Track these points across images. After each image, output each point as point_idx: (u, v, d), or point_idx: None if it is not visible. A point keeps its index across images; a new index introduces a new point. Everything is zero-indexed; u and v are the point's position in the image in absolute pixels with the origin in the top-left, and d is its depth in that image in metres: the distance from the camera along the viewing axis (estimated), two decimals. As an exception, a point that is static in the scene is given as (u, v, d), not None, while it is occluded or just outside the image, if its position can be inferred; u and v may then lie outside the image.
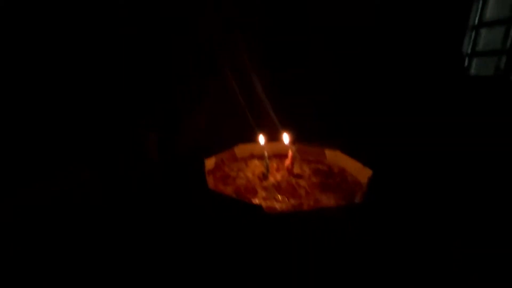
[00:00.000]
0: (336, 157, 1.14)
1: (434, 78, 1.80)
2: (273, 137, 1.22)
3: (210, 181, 0.98)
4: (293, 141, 1.19)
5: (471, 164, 1.40)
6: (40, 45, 1.43)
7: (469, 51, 1.84)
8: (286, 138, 1.10)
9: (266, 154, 1.01)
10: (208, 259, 0.85)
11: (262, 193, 0.94)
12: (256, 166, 1.09)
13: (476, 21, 1.80)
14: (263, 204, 0.89)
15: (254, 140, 1.19)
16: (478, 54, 1.82)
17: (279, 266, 0.79)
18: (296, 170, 1.07)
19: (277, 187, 0.97)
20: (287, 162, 1.03)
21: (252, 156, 1.18)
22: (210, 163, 1.05)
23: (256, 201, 0.91)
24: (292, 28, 1.76)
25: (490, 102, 1.61)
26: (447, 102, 1.74)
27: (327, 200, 0.90)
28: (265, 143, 1.09)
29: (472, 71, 1.88)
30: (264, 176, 1.01)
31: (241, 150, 1.18)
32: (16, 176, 1.29)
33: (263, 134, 1.11)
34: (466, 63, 1.80)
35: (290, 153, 1.03)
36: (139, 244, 0.92)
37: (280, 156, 1.20)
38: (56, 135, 1.46)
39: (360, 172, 1.01)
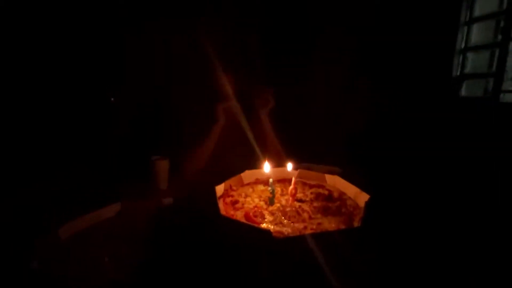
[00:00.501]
0: (335, 182, 1.24)
1: (426, 100, 1.93)
2: (276, 162, 1.33)
3: (221, 207, 1.07)
4: (296, 167, 1.30)
5: (464, 185, 1.50)
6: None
7: (458, 73, 1.97)
8: (289, 166, 1.21)
9: (271, 181, 1.11)
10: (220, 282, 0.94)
11: (269, 218, 1.04)
12: (262, 191, 1.19)
13: (463, 45, 1.93)
14: (271, 228, 0.98)
15: (257, 165, 1.30)
16: (467, 77, 1.94)
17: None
18: (299, 194, 1.17)
19: (283, 212, 1.07)
20: (291, 188, 1.13)
21: (258, 181, 1.28)
22: (219, 189, 1.15)
23: (264, 225, 1.00)
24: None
25: (479, 121, 1.73)
26: (439, 123, 1.87)
27: (328, 224, 1.00)
28: (270, 170, 1.20)
29: (463, 92, 2.00)
30: (270, 201, 1.11)
31: (247, 175, 1.28)
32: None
33: (268, 161, 1.21)
34: (454, 85, 1.93)
35: (293, 180, 1.14)
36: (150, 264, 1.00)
37: (284, 180, 1.30)
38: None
39: (358, 196, 1.11)
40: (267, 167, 1.20)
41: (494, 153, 1.58)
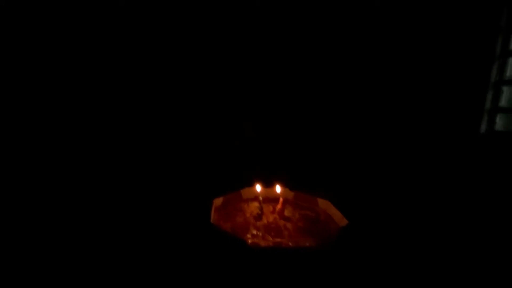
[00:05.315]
0: (326, 206, 1.34)
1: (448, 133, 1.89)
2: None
3: (215, 217, 1.26)
4: (292, 188, 1.44)
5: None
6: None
7: (491, 106, 1.89)
8: (278, 188, 1.36)
9: (261, 198, 1.27)
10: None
11: (253, 231, 1.19)
12: (255, 208, 1.34)
13: (497, 78, 1.87)
14: (252, 240, 1.13)
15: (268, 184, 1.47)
16: (501, 110, 1.86)
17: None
18: (287, 213, 1.30)
19: (267, 228, 1.21)
20: (278, 207, 1.27)
21: (255, 199, 1.44)
22: (218, 201, 1.34)
23: (247, 236, 1.16)
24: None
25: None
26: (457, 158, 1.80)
27: (304, 243, 1.11)
28: (261, 189, 1.36)
29: (497, 126, 1.91)
30: (258, 216, 1.26)
31: (246, 192, 1.45)
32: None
33: (261, 182, 1.39)
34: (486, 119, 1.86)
35: (281, 200, 1.28)
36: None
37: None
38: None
39: (341, 221, 1.20)
40: (258, 187, 1.36)
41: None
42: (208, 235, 1.18)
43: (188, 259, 1.20)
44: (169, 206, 1.55)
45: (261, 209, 1.28)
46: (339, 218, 1.22)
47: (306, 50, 1.95)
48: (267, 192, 1.43)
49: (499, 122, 1.90)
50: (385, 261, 1.21)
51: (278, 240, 1.14)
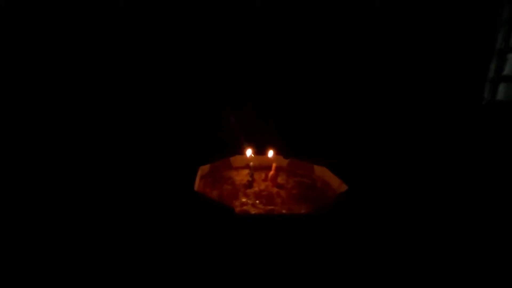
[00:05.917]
0: (323, 173, 1.23)
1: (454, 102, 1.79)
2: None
3: (200, 184, 1.14)
4: (286, 156, 1.32)
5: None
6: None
7: (494, 75, 1.79)
8: (270, 153, 1.24)
9: (251, 164, 1.15)
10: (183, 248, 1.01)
11: (242, 199, 1.07)
12: (245, 175, 1.22)
13: (503, 46, 1.76)
14: (240, 208, 1.01)
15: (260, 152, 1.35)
16: (504, 79, 1.77)
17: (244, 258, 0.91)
18: (281, 181, 1.19)
19: (258, 195, 1.09)
20: (271, 173, 1.16)
21: (246, 166, 1.32)
22: (204, 169, 1.22)
23: (236, 204, 1.04)
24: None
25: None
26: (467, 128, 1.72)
27: (298, 210, 1.00)
28: (253, 156, 1.24)
29: (499, 95, 1.82)
30: (249, 184, 1.14)
31: (236, 160, 1.33)
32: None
33: (252, 147, 1.26)
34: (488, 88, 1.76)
35: (273, 165, 1.16)
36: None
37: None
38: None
39: (339, 187, 1.09)
40: (249, 151, 1.24)
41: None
42: (193, 203, 1.06)
43: (174, 229, 1.10)
44: (155, 174, 1.43)
45: (252, 176, 1.16)
46: (337, 184, 1.12)
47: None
48: (259, 160, 1.31)
49: (501, 91, 1.81)
50: (384, 228, 1.12)
51: (270, 207, 1.02)
